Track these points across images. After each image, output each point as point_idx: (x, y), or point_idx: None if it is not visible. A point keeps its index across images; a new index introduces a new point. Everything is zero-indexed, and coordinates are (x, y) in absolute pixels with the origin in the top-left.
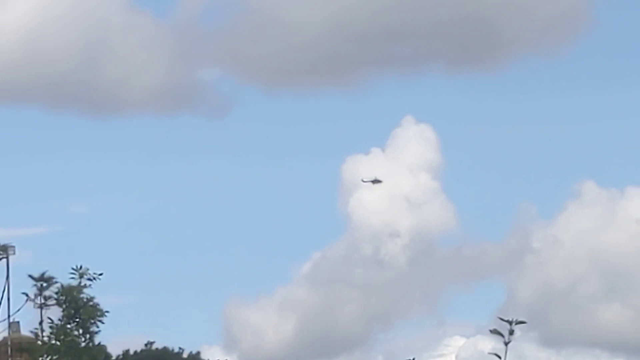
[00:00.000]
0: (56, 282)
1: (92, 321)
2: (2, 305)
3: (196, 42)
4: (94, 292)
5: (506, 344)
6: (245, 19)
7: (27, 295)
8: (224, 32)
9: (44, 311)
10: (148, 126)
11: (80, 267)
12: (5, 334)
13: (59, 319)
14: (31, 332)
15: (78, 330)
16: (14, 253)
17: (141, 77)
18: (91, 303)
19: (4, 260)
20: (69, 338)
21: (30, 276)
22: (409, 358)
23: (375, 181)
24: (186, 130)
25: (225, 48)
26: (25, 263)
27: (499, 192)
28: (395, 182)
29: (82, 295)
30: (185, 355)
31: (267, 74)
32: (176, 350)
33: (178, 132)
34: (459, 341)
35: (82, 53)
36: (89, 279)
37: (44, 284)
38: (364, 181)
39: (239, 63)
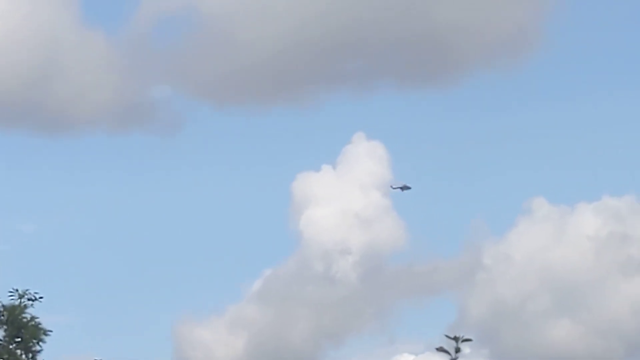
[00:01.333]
0: None
1: (35, 341)
2: None
3: (148, 60)
4: (40, 311)
5: None
6: (196, 36)
7: None
8: (176, 49)
9: None
10: (99, 144)
11: (17, 290)
12: None
13: (1, 339)
14: None
15: (21, 350)
16: None
17: (92, 94)
18: (33, 323)
19: None
20: (12, 358)
21: None
22: None
23: (405, 187)
24: (138, 148)
25: (176, 65)
26: None
27: (450, 209)
28: (346, 199)
29: (24, 315)
30: None
31: (219, 91)
32: None
33: (130, 150)
34: (408, 358)
35: (33, 71)
36: (30, 299)
37: None
38: (393, 188)
39: (190, 80)
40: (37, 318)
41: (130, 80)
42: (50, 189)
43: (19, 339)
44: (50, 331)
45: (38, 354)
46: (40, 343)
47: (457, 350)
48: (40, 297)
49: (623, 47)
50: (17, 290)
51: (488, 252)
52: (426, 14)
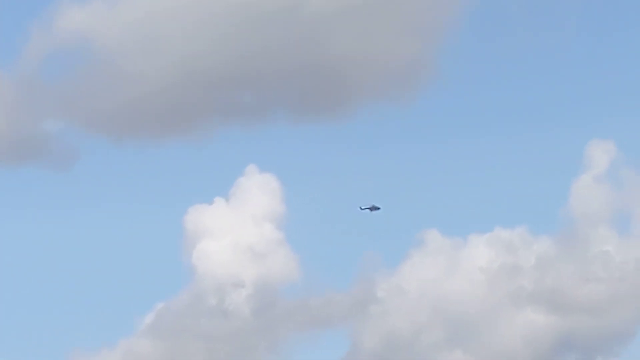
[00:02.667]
0: None
1: None
2: None
3: (40, 94)
4: None
5: None
6: (89, 69)
7: None
8: (68, 83)
9: None
10: None
11: None
12: None
13: None
14: None
15: None
16: None
17: None
18: None
19: None
20: None
21: None
22: None
23: (373, 208)
24: (31, 183)
25: (69, 99)
26: None
27: (344, 242)
28: (239, 232)
29: None
30: None
31: (112, 124)
32: None
33: (22, 185)
34: None
35: None
36: None
37: None
38: (362, 209)
39: (84, 114)
40: None
41: (23, 115)
42: None
43: None
44: None
45: None
46: None
47: None
48: None
49: (515, 81)
50: None
51: (381, 284)
52: (320, 45)
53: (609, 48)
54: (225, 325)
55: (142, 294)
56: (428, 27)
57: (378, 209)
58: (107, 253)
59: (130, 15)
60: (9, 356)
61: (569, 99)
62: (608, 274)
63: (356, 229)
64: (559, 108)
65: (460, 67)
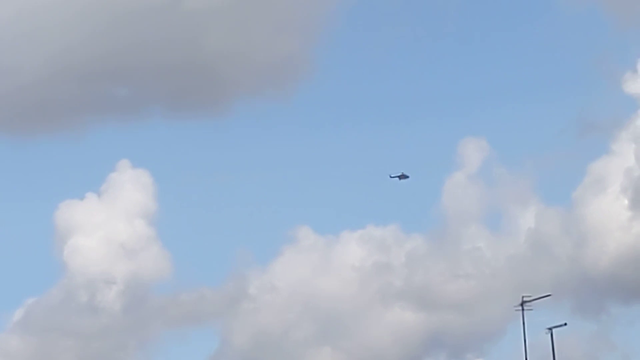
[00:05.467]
0: None
1: None
2: None
3: None
4: None
5: None
6: None
7: None
8: None
9: None
10: None
11: None
12: None
13: None
14: None
15: None
16: None
17: None
18: None
19: None
20: None
21: None
22: None
23: (403, 176)
24: None
25: None
26: None
27: (216, 238)
28: (111, 228)
29: None
30: None
31: None
32: None
33: None
34: None
35: None
36: None
37: None
38: (391, 177)
39: None
40: None
41: None
42: None
43: None
44: None
45: None
46: None
47: None
48: None
49: (391, 77)
50: None
51: (253, 281)
52: (196, 41)
53: (484, 45)
54: (96, 321)
55: (11, 290)
56: (304, 23)
57: (407, 177)
58: None
59: (2, 9)
60: None
61: (443, 96)
62: (478, 271)
63: (228, 225)
64: (433, 104)
65: (337, 62)
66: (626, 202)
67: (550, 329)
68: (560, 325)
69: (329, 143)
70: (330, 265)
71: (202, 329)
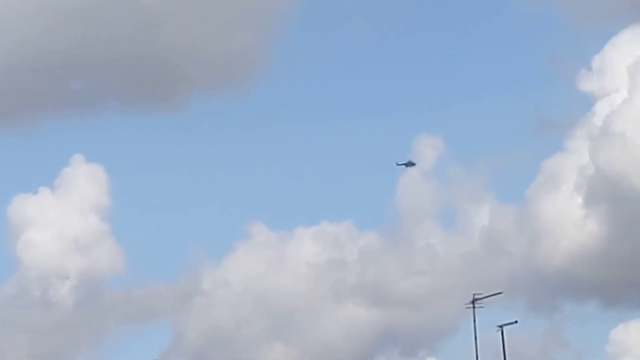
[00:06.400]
0: None
1: None
2: None
3: None
4: None
5: None
6: None
7: None
8: None
9: None
10: None
11: None
12: None
13: None
14: None
15: None
16: None
17: None
18: None
19: None
20: None
21: None
22: None
23: (410, 164)
24: None
25: None
26: None
27: (170, 234)
28: (64, 223)
29: None
30: None
31: None
32: None
33: None
34: None
35: None
36: None
37: None
38: (398, 164)
39: None
40: None
41: None
42: None
43: None
44: None
45: None
46: None
47: None
48: None
49: (348, 72)
50: None
51: (206, 276)
52: (152, 35)
53: (439, 43)
54: (49, 316)
55: None
56: (262, 17)
57: (414, 164)
58: None
59: None
60: None
61: (398, 93)
62: (432, 268)
63: (182, 221)
64: (388, 101)
65: (294, 58)
66: (580, 200)
67: (500, 326)
68: (511, 323)
69: (284, 139)
70: (283, 261)
71: (155, 324)
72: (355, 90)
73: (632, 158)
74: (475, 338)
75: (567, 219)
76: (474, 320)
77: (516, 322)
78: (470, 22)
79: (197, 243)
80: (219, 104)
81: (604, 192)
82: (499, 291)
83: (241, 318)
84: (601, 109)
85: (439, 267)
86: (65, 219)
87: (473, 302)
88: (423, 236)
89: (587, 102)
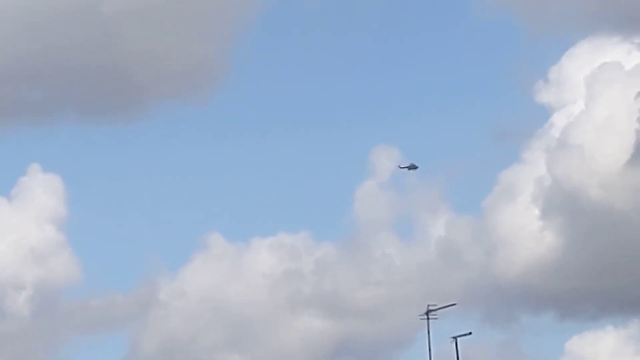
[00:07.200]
0: None
1: None
2: None
3: None
4: None
5: None
6: None
7: None
8: None
9: None
10: None
11: None
12: None
13: None
14: None
15: None
16: None
17: None
18: None
19: None
20: None
21: None
22: None
23: (412, 167)
24: None
25: None
26: None
27: (127, 244)
28: (21, 233)
29: None
30: None
31: None
32: None
33: None
34: None
35: None
36: None
37: None
38: (400, 167)
39: None
40: None
41: None
42: None
43: None
44: None
45: None
46: None
47: None
48: None
49: (307, 84)
50: None
51: (163, 287)
52: (111, 45)
53: (397, 52)
54: (5, 326)
55: None
56: (220, 27)
57: (416, 167)
58: None
59: None
60: None
61: (356, 103)
62: (388, 278)
63: (139, 231)
64: (346, 111)
65: (252, 67)
66: (537, 211)
67: (454, 337)
68: (466, 334)
69: (242, 149)
70: (240, 272)
71: (111, 334)
72: (313, 100)
73: (589, 170)
74: (430, 349)
75: (524, 230)
76: (428, 332)
77: (470, 333)
78: (429, 33)
79: (155, 253)
80: (177, 113)
81: (560, 203)
82: (453, 302)
83: (198, 328)
84: (558, 120)
85: (395, 278)
86: (22, 228)
87: (427, 313)
88: (379, 247)
89: (544, 114)
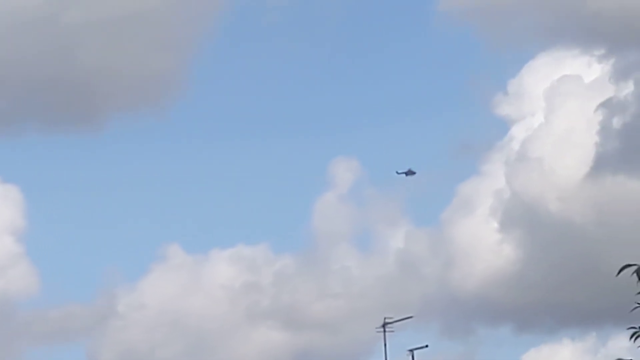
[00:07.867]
0: None
1: None
2: None
3: None
4: None
5: None
6: None
7: None
8: None
9: None
10: None
11: None
12: None
13: None
14: None
15: None
16: None
17: None
18: None
19: None
20: None
21: None
22: None
23: (410, 172)
24: None
25: None
26: None
27: (85, 256)
28: None
29: None
30: None
31: None
32: None
33: None
34: None
35: None
36: None
37: None
38: (398, 173)
39: None
40: None
41: None
42: None
43: None
44: None
45: None
46: None
47: None
48: None
49: (267, 95)
50: None
51: (122, 298)
52: (71, 56)
53: (357, 64)
54: None
55: None
56: (180, 39)
57: (414, 173)
58: None
59: None
60: None
61: (315, 114)
62: (346, 291)
63: (98, 242)
64: (305, 123)
65: (212, 79)
66: (495, 224)
67: (411, 350)
68: (422, 347)
69: (201, 160)
70: (199, 284)
71: (70, 345)
72: (272, 112)
73: (548, 183)
74: None
75: (482, 243)
76: (385, 345)
77: (427, 346)
78: (389, 45)
79: (113, 264)
80: (136, 125)
81: (519, 216)
82: (410, 315)
83: (156, 340)
84: (517, 133)
85: (353, 290)
86: None
87: (384, 325)
88: (338, 259)
89: (503, 126)
